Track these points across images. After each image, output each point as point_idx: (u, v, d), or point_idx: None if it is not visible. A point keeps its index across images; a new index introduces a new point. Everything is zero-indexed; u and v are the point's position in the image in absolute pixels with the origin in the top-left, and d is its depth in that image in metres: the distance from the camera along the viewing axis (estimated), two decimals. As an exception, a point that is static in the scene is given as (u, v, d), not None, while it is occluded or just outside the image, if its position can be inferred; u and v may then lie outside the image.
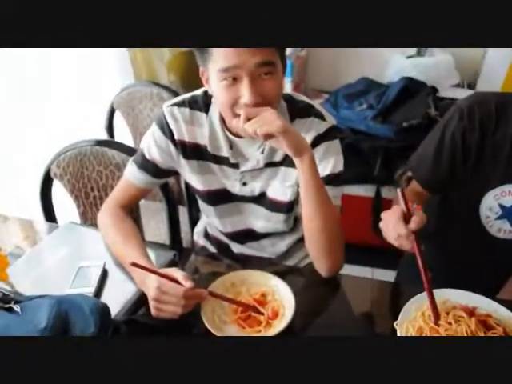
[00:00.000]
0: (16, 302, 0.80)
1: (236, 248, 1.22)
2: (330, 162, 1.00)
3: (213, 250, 1.29)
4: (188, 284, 0.82)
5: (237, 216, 1.14)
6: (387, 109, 1.75)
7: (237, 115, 0.88)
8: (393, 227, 0.83)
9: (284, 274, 0.94)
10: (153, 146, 1.05)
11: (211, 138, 1.02)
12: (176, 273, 0.84)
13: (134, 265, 0.84)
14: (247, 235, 1.18)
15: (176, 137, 1.03)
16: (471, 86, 2.07)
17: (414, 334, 0.79)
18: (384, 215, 0.89)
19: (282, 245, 1.19)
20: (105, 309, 0.81)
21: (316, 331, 0.89)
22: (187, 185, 1.46)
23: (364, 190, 1.91)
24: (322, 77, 2.24)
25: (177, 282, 0.83)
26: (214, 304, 0.89)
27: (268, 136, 0.84)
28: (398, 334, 0.79)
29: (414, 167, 1.13)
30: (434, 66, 1.87)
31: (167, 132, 1.03)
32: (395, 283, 0.91)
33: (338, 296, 1.01)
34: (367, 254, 1.87)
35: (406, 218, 0.82)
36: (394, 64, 1.96)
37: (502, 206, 1.04)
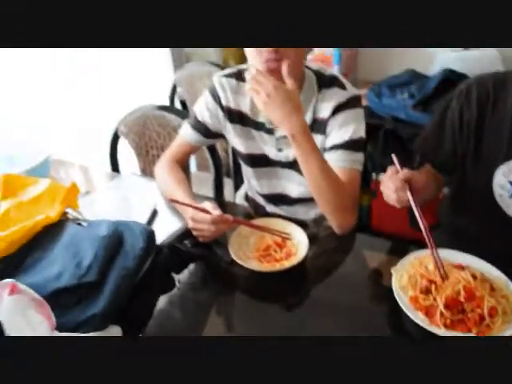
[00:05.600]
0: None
1: (271, 209, 1.37)
2: (350, 128, 1.10)
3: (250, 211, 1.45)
4: (216, 212, 0.99)
5: (273, 180, 1.29)
6: (427, 98, 1.80)
7: None
8: (391, 182, 0.94)
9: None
10: (204, 109, 1.23)
11: (252, 104, 1.18)
12: (206, 204, 1.02)
13: (172, 200, 1.05)
14: (282, 199, 1.32)
15: (223, 103, 1.20)
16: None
17: (406, 280, 0.88)
18: (383, 178, 0.98)
19: (313, 212, 1.31)
20: (152, 232, 0.97)
21: (324, 276, 1.02)
22: (234, 153, 1.63)
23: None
24: (371, 68, 2.35)
25: (208, 212, 1.00)
26: (241, 242, 1.06)
27: None
28: (393, 279, 0.88)
29: (418, 148, 1.20)
30: (478, 59, 1.89)
31: (217, 98, 1.20)
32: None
33: (351, 252, 1.12)
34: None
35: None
36: (440, 57, 2.00)
37: None
